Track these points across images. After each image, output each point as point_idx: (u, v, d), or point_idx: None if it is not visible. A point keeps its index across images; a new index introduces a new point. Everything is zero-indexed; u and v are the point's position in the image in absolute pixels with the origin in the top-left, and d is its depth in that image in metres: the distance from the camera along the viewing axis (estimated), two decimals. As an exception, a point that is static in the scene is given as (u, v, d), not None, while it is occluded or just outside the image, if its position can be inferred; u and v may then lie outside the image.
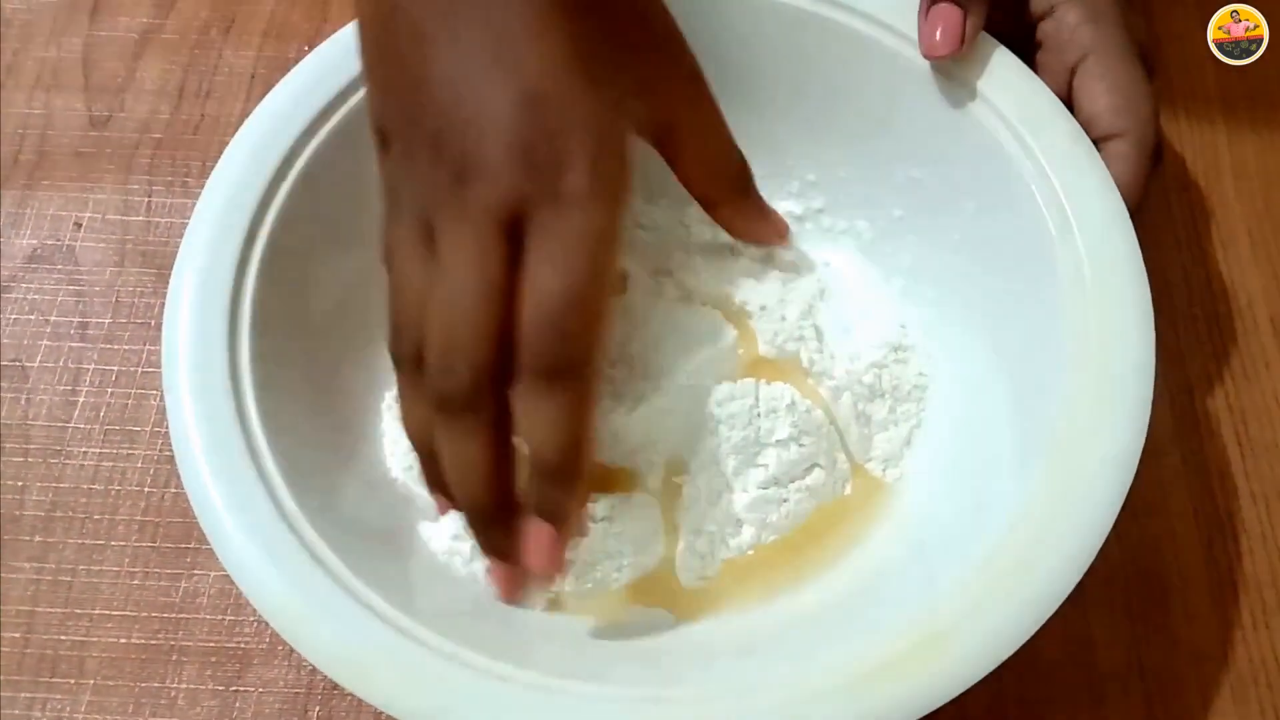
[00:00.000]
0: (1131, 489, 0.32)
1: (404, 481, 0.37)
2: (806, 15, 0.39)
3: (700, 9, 0.40)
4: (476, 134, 0.29)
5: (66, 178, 0.47)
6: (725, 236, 0.39)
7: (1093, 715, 0.38)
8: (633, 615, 0.35)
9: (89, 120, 0.49)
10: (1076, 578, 0.31)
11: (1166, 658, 0.38)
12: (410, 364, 0.30)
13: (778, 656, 0.33)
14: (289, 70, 0.38)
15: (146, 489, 0.41)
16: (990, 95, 0.37)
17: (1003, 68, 0.37)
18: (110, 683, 0.38)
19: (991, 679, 0.30)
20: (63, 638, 0.39)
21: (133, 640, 0.39)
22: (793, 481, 0.36)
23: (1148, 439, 0.32)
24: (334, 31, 0.38)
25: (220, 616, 0.39)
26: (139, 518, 0.41)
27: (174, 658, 0.38)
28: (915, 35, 0.38)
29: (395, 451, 0.38)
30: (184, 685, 0.38)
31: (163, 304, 0.34)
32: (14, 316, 0.44)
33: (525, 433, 0.29)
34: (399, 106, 0.31)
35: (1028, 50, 0.39)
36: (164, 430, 0.41)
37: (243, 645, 0.39)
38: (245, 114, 0.37)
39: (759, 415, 0.36)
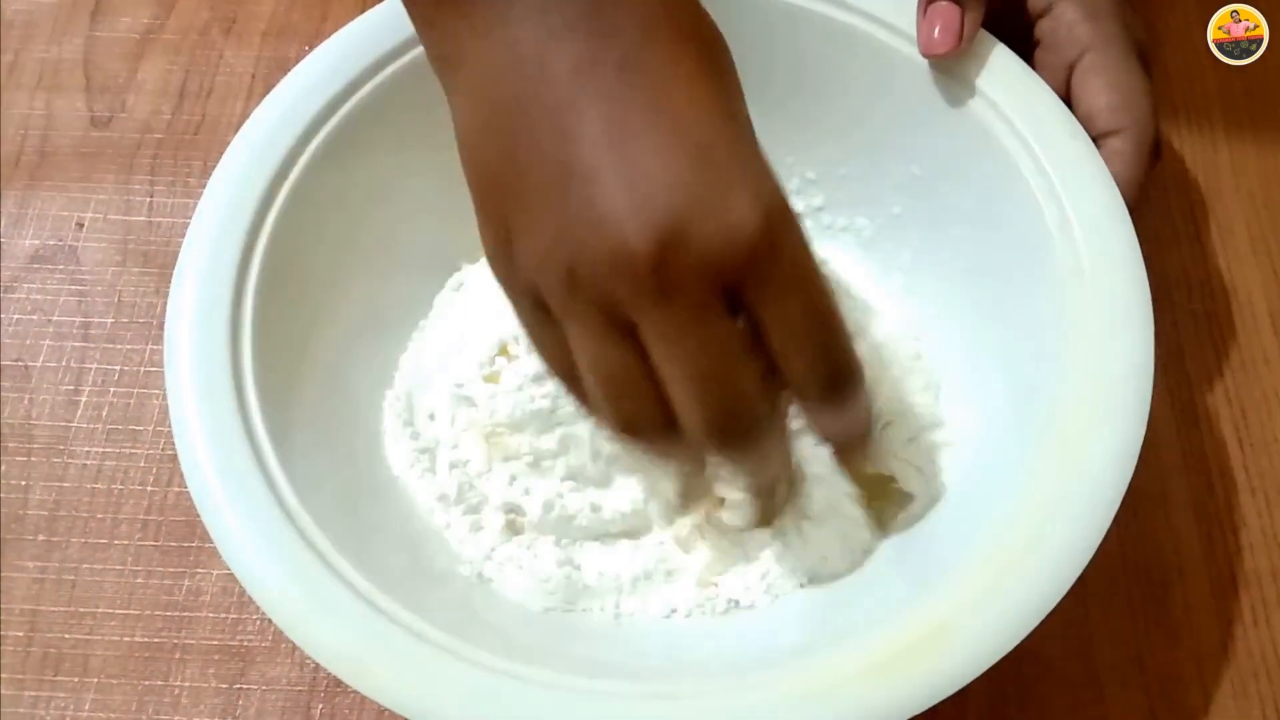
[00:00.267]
0: (1131, 484, 0.32)
1: (406, 479, 0.37)
2: (805, 12, 0.39)
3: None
4: (662, 206, 0.26)
5: (68, 178, 0.47)
6: None
7: (1093, 710, 0.38)
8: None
9: (90, 120, 0.49)
10: (1076, 573, 0.31)
11: (1166, 652, 0.38)
12: (663, 435, 0.29)
13: (778, 653, 0.33)
14: (290, 70, 0.38)
15: (149, 488, 0.41)
16: (989, 92, 0.37)
17: (1001, 65, 0.38)
18: (114, 681, 0.38)
19: (992, 674, 0.30)
20: (66, 636, 0.39)
21: (136, 638, 0.39)
22: None
23: (1147, 434, 0.32)
24: (334, 31, 0.39)
25: (223, 614, 0.39)
26: (142, 516, 0.41)
27: (177, 656, 0.38)
28: (914, 33, 0.38)
29: (397, 449, 0.38)
30: (187, 683, 0.38)
31: (165, 303, 0.34)
32: (16, 316, 0.45)
33: (838, 434, 0.32)
34: (533, 195, 0.28)
35: (1026, 48, 0.39)
36: (166, 429, 0.41)
37: (246, 643, 0.39)
38: (246, 114, 0.38)
39: None
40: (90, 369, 0.43)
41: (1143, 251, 0.35)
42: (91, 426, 0.42)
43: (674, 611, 0.36)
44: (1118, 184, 0.36)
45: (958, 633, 0.30)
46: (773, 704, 0.29)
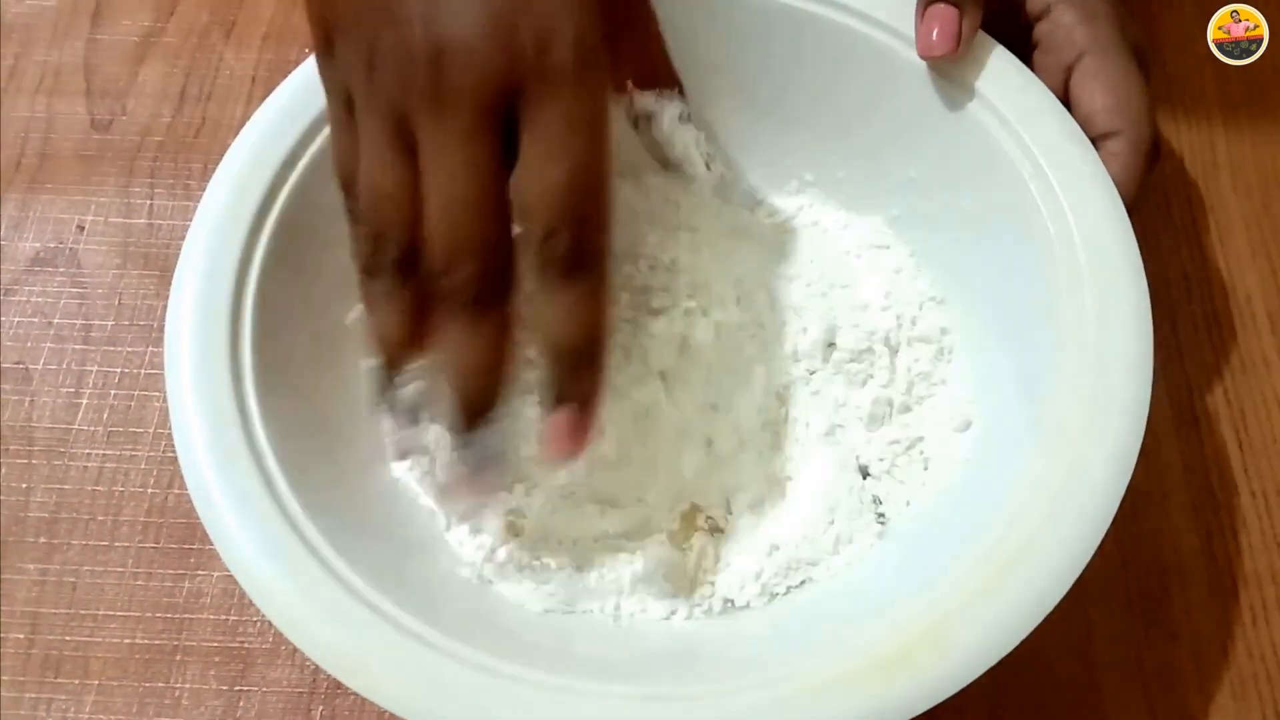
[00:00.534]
0: (1130, 485, 0.32)
1: (406, 482, 0.37)
2: (803, 15, 0.39)
3: (697, 8, 0.40)
4: (450, 14, 0.27)
5: (69, 181, 0.48)
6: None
7: (1092, 710, 0.38)
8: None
9: (91, 124, 0.49)
10: (1076, 573, 0.31)
11: (1166, 653, 0.38)
12: (391, 269, 0.29)
13: (777, 653, 0.33)
14: (290, 73, 0.38)
15: (150, 490, 0.41)
16: (987, 94, 0.37)
17: (999, 66, 0.38)
18: (114, 683, 0.38)
19: (991, 674, 0.30)
20: (67, 638, 0.39)
21: (137, 640, 0.39)
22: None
23: (1146, 435, 0.32)
24: (334, 34, 0.39)
25: (224, 616, 0.39)
26: (142, 518, 0.41)
27: (178, 658, 0.38)
28: (912, 35, 0.38)
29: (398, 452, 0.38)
30: (188, 685, 0.38)
31: (165, 306, 0.35)
32: (17, 319, 0.45)
33: (545, 326, 0.29)
34: None
35: (1024, 50, 0.39)
36: (167, 431, 0.41)
37: (246, 645, 0.39)
38: (246, 117, 0.38)
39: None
40: (91, 371, 0.44)
41: (1141, 253, 0.35)
42: (92, 429, 0.42)
43: (673, 613, 0.36)
44: (1116, 186, 0.36)
45: (957, 633, 0.30)
46: (772, 704, 0.29)
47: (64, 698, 0.38)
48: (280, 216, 0.36)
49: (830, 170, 0.42)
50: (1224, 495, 0.41)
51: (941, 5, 0.37)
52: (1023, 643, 0.30)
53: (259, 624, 0.39)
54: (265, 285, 0.35)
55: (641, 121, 0.38)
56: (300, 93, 0.38)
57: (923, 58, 0.38)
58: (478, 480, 0.32)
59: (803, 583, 0.36)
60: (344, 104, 0.30)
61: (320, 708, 0.38)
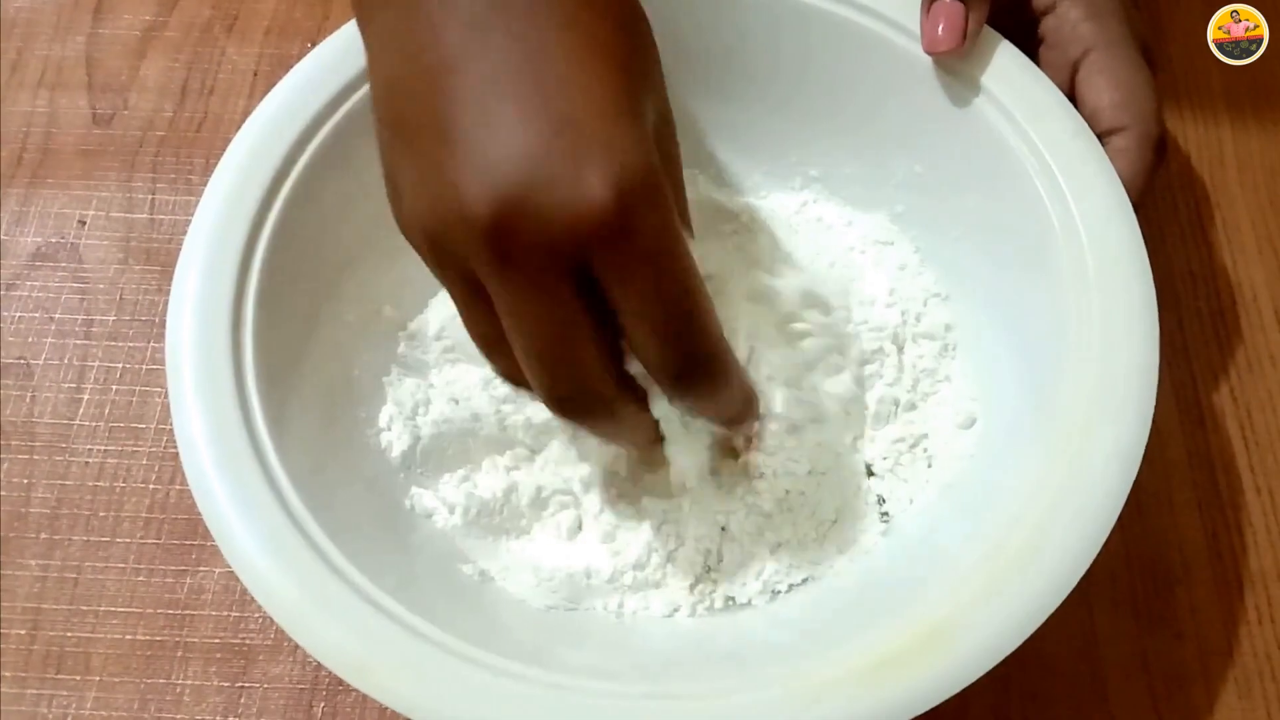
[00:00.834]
0: (1136, 482, 0.31)
1: (407, 478, 0.37)
2: (808, 10, 0.39)
3: (702, 4, 0.40)
4: (506, 177, 0.26)
5: (70, 176, 0.47)
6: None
7: (1097, 709, 0.38)
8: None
9: (92, 118, 0.49)
10: (1081, 572, 0.30)
11: (1171, 652, 0.38)
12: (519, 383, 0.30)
13: (780, 652, 0.33)
14: (292, 67, 0.38)
15: (151, 486, 0.41)
16: (993, 89, 0.37)
17: (1005, 62, 0.37)
18: (116, 679, 0.38)
19: (996, 673, 0.29)
20: (68, 634, 0.39)
21: (138, 636, 0.39)
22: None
23: (1152, 432, 0.32)
24: (336, 28, 0.38)
25: (225, 612, 0.39)
26: (144, 514, 0.41)
27: (179, 654, 0.38)
28: (918, 31, 0.38)
29: (399, 447, 0.38)
30: (189, 681, 0.38)
31: (167, 301, 0.34)
32: (19, 314, 0.44)
33: (708, 420, 0.32)
34: (414, 150, 0.28)
35: (1030, 47, 0.39)
36: (169, 427, 0.41)
37: (248, 641, 0.39)
38: (248, 111, 0.37)
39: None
40: (92, 367, 0.43)
41: (1147, 249, 0.35)
42: (94, 424, 0.42)
43: (675, 610, 0.36)
44: (1122, 182, 0.36)
45: (960, 632, 0.30)
46: (773, 704, 0.29)
47: (65, 694, 0.38)
48: (282, 211, 0.36)
49: (835, 166, 0.42)
50: (1229, 493, 0.41)
51: (947, 1, 0.36)
52: (1027, 641, 0.30)
53: (260, 620, 0.39)
54: (267, 280, 0.35)
55: None
56: (302, 87, 0.37)
57: (928, 54, 0.37)
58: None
59: (805, 580, 0.36)
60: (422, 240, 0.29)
61: (322, 704, 0.38)
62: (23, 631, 0.39)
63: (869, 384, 0.39)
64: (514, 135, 0.26)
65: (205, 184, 0.36)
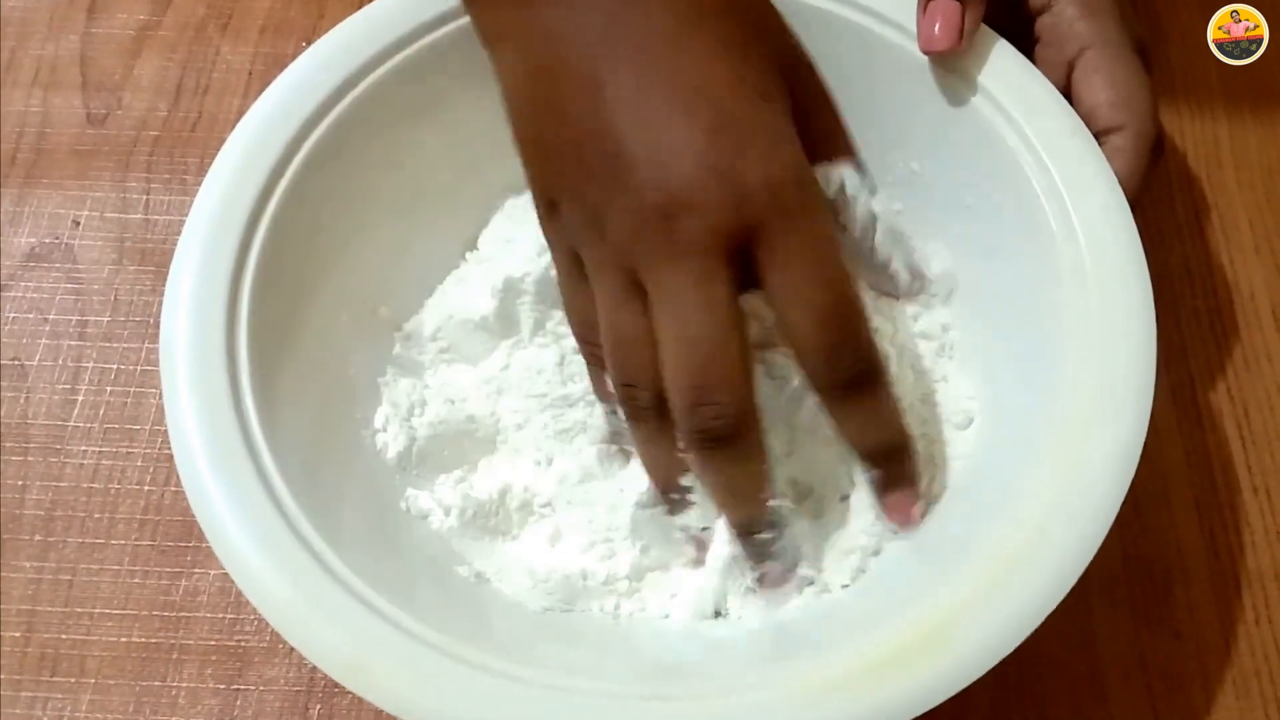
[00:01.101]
0: (1133, 482, 0.31)
1: (403, 479, 0.37)
2: (805, 9, 0.39)
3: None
4: (677, 168, 0.29)
5: (64, 175, 0.47)
6: None
7: (1095, 709, 0.38)
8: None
9: (87, 118, 0.49)
10: (1079, 571, 0.30)
11: (1169, 651, 0.38)
12: (653, 413, 0.31)
13: (779, 652, 0.33)
14: (286, 66, 0.38)
15: (146, 487, 0.41)
16: (990, 87, 0.37)
17: (1002, 60, 0.37)
18: (111, 681, 0.38)
19: (994, 673, 0.29)
20: (63, 636, 0.39)
21: (133, 639, 0.39)
22: None
23: (1150, 432, 0.32)
24: (331, 27, 0.38)
25: (220, 615, 0.39)
26: (139, 516, 0.41)
27: (174, 656, 0.38)
28: (914, 29, 0.37)
29: (395, 448, 0.38)
30: (185, 684, 0.38)
31: (161, 302, 0.34)
32: (13, 315, 0.44)
33: (850, 437, 0.32)
34: (572, 161, 0.31)
35: (1026, 45, 0.39)
36: (163, 428, 0.40)
37: (243, 643, 0.38)
38: (243, 110, 0.37)
39: None
40: (87, 368, 0.43)
41: (1145, 248, 0.34)
42: (88, 426, 0.42)
43: (672, 612, 0.35)
44: (1119, 181, 0.36)
45: (959, 632, 0.30)
46: (773, 704, 0.29)
47: (60, 696, 0.38)
48: (277, 211, 0.36)
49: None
50: (1227, 492, 0.41)
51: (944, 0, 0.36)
52: (1026, 641, 0.30)
53: (256, 622, 0.39)
54: (261, 280, 0.35)
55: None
56: (297, 86, 0.37)
57: (925, 52, 0.37)
58: (777, 578, 0.34)
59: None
60: (573, 260, 0.32)
61: (318, 706, 0.38)
62: (17, 634, 0.39)
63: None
64: (676, 136, 0.29)
65: (200, 184, 0.36)
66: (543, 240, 0.35)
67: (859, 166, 0.37)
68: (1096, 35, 0.38)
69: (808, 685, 0.29)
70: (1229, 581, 0.39)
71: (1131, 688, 0.38)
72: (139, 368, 0.43)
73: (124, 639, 0.39)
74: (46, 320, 0.44)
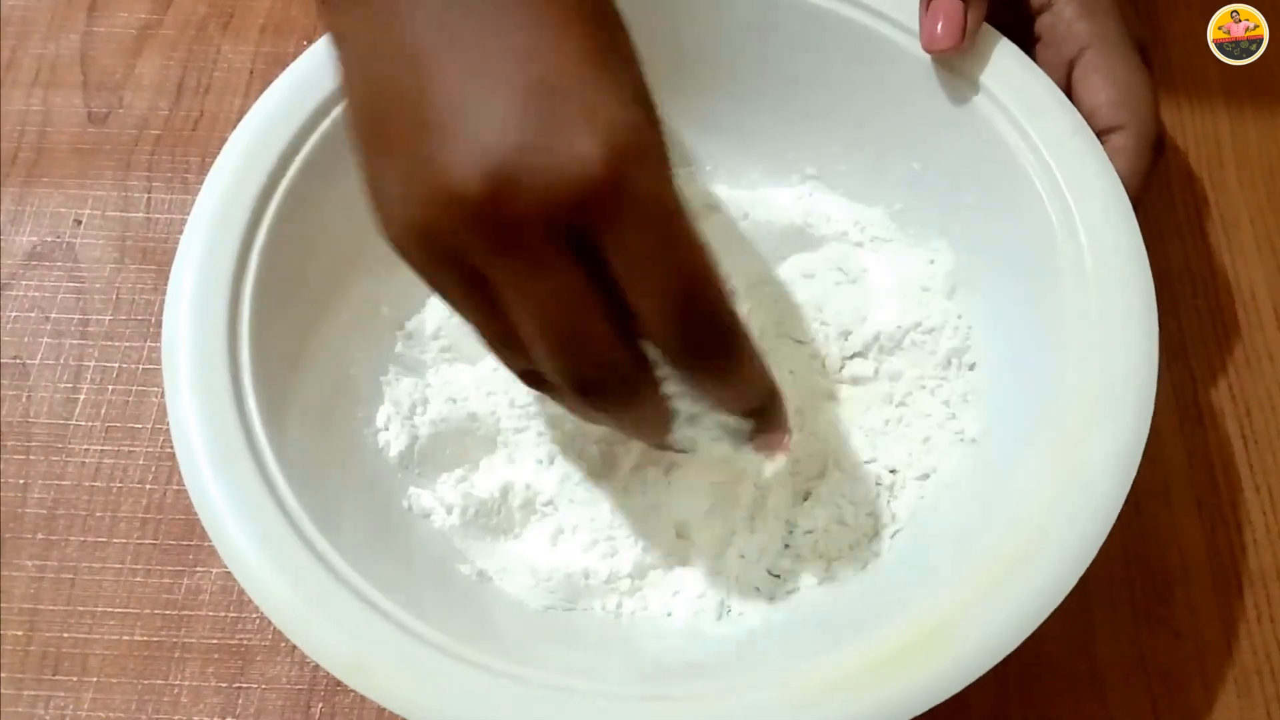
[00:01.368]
0: (1134, 481, 0.31)
1: (405, 478, 0.37)
2: (808, 8, 0.39)
3: (700, 1, 0.39)
4: (490, 151, 0.25)
5: (66, 174, 0.47)
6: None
7: (1096, 709, 0.38)
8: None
9: (88, 117, 0.49)
10: (1080, 571, 0.30)
11: (1170, 651, 0.38)
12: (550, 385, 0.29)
13: (779, 652, 0.33)
14: (288, 65, 0.38)
15: (148, 486, 0.41)
16: (991, 87, 0.37)
17: (1003, 59, 0.37)
18: (113, 680, 0.38)
19: (994, 673, 0.29)
20: (65, 635, 0.39)
21: (135, 637, 0.39)
22: None
23: (1151, 431, 0.32)
24: (332, 26, 0.38)
25: (223, 613, 0.39)
26: (141, 515, 0.41)
27: (176, 654, 0.38)
28: (916, 27, 0.37)
29: (396, 447, 0.38)
30: (187, 682, 0.38)
31: (163, 300, 0.34)
32: (14, 314, 0.44)
33: (722, 403, 0.30)
34: (397, 157, 0.27)
35: (1025, 45, 0.39)
36: (165, 427, 0.41)
37: (245, 642, 0.39)
38: (244, 109, 0.37)
39: None
40: (89, 366, 0.43)
41: (1146, 247, 0.34)
42: (90, 424, 0.42)
43: (674, 611, 0.35)
44: (1120, 180, 0.36)
45: (960, 632, 0.30)
46: (773, 704, 0.29)
47: (62, 695, 0.38)
48: (278, 210, 0.36)
49: (833, 164, 0.42)
50: (1228, 492, 0.41)
51: (946, -1, 0.36)
52: (1026, 641, 0.30)
53: (258, 621, 0.39)
54: (263, 279, 0.35)
55: None
56: (298, 85, 0.37)
57: (927, 51, 0.37)
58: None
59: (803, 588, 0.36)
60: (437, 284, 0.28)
61: (320, 705, 0.38)
62: (19, 632, 0.39)
63: (866, 384, 0.39)
64: (492, 110, 0.25)
65: (201, 183, 0.36)
66: None
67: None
68: (1096, 35, 0.38)
69: (808, 685, 0.29)
70: (1230, 581, 0.39)
71: (1132, 687, 0.38)
72: (141, 366, 0.43)
73: (126, 637, 0.39)
74: (48, 319, 0.44)
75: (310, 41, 0.39)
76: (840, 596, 0.35)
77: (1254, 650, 0.38)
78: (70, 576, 0.40)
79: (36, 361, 0.43)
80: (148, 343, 0.44)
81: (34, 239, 0.46)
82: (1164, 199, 0.46)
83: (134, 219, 0.46)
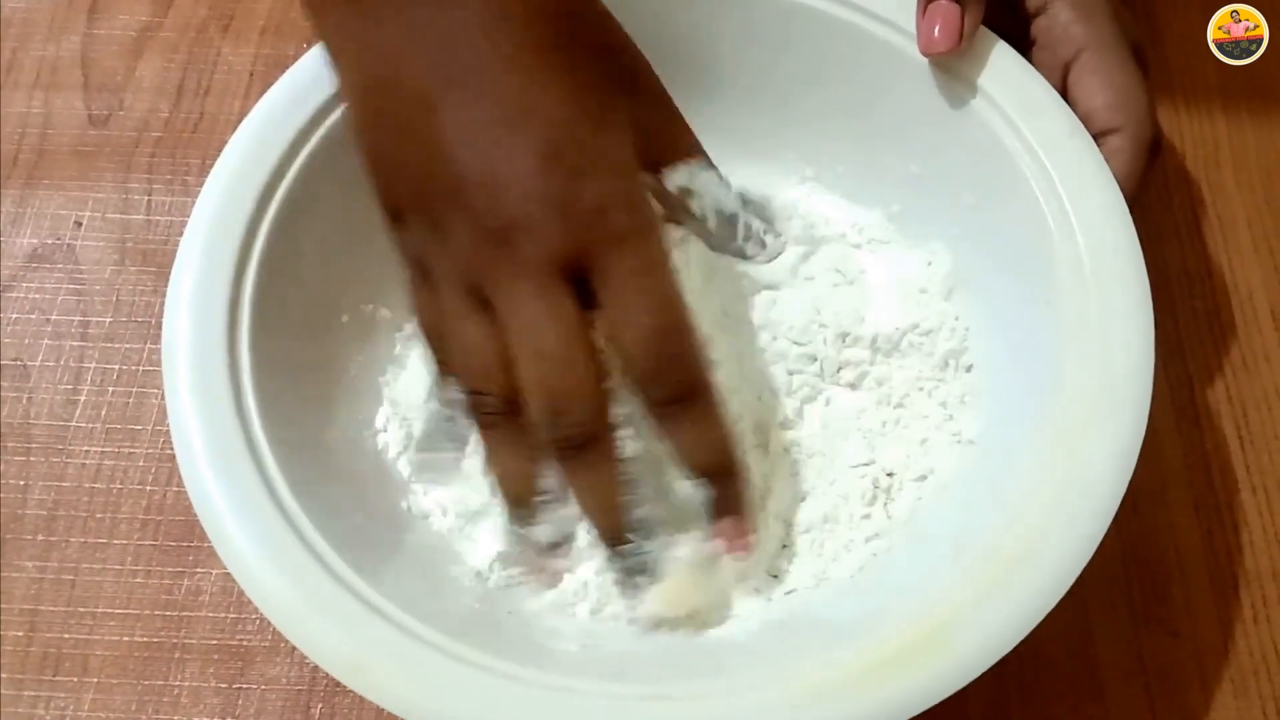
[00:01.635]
0: (1131, 482, 0.32)
1: (406, 479, 0.37)
2: (806, 11, 0.39)
3: (699, 3, 0.40)
4: (511, 193, 0.30)
5: (66, 176, 0.47)
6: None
7: (1093, 709, 0.38)
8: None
9: (88, 119, 0.49)
10: (1077, 571, 0.30)
11: (1167, 651, 0.38)
12: (504, 420, 0.32)
13: (779, 652, 0.33)
14: (288, 67, 0.38)
15: (148, 487, 0.41)
16: (988, 89, 0.37)
17: (1001, 62, 0.37)
18: (113, 681, 0.38)
19: (992, 673, 0.30)
20: (66, 636, 0.39)
21: (135, 638, 0.39)
22: None
23: (1147, 432, 0.32)
24: (332, 29, 0.38)
25: (223, 614, 0.39)
26: (141, 516, 0.41)
27: (176, 655, 0.38)
28: (913, 30, 0.38)
29: (396, 448, 0.38)
30: (187, 683, 0.38)
31: (163, 302, 0.34)
32: (15, 316, 0.44)
33: (680, 455, 0.32)
34: (412, 178, 0.31)
35: (1022, 47, 0.39)
36: (165, 428, 0.40)
37: (245, 643, 0.39)
38: (244, 111, 0.37)
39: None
40: (89, 368, 0.43)
41: (1143, 248, 0.35)
42: (90, 426, 0.42)
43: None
44: (1117, 181, 0.36)
45: (957, 633, 0.30)
46: (772, 704, 0.29)
47: (63, 695, 0.38)
48: (278, 211, 0.36)
49: (830, 165, 0.42)
50: (1225, 493, 0.41)
51: (944, 2, 0.36)
52: (1024, 641, 0.30)
53: (258, 622, 0.39)
54: (263, 280, 0.35)
55: (676, 202, 0.37)
56: (298, 87, 0.37)
57: (924, 54, 0.37)
58: (637, 580, 0.34)
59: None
60: (419, 268, 0.33)
61: (319, 705, 0.38)
62: (20, 633, 0.39)
63: (864, 385, 0.39)
64: (507, 163, 0.30)
65: (201, 185, 0.36)
66: None
67: (704, 159, 0.37)
68: (1092, 37, 0.38)
69: (808, 685, 0.29)
70: (1227, 581, 0.39)
71: (1129, 687, 0.38)
72: (141, 368, 0.43)
73: (126, 638, 0.39)
74: (49, 321, 0.44)
75: (310, 44, 0.38)
76: (839, 597, 0.35)
77: (1250, 650, 0.38)
78: (70, 577, 0.40)
79: (37, 363, 0.44)
80: (148, 344, 0.44)
81: (34, 241, 0.46)
82: (1161, 200, 0.46)
83: (134, 221, 0.47)
